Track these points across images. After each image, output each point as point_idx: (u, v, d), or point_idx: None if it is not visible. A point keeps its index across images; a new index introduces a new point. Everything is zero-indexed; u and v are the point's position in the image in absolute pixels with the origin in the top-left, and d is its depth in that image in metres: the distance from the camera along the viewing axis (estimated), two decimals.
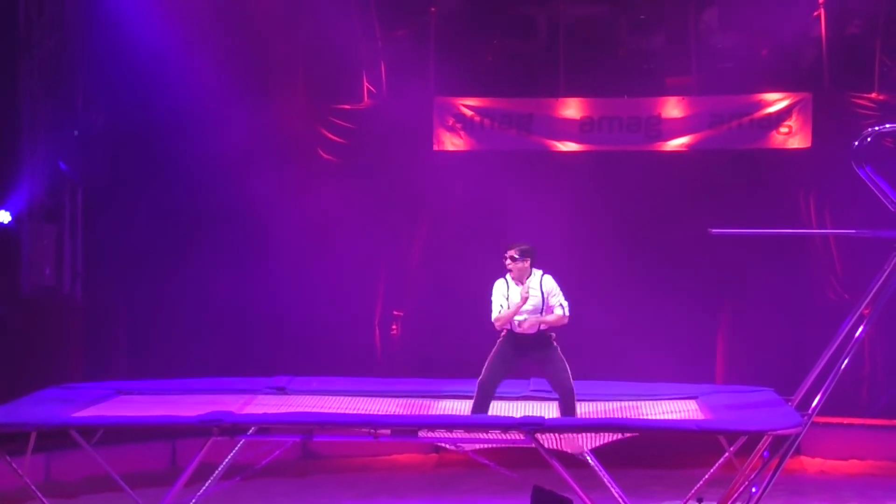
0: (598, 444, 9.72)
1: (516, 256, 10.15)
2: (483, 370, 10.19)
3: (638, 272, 17.19)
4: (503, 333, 10.22)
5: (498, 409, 10.45)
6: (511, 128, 17.74)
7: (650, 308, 16.97)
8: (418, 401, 10.99)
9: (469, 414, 10.17)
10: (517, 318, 10.08)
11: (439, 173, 17.66)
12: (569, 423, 9.65)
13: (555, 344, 10.18)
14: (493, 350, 10.25)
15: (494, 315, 10.18)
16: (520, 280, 10.15)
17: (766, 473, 9.73)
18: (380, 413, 10.33)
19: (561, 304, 10.12)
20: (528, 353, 10.20)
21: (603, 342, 16.48)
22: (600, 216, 17.39)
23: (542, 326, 10.11)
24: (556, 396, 10.87)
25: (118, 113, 16.84)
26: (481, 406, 10.13)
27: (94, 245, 17.06)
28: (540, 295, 10.11)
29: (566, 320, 10.13)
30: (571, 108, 17.70)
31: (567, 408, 10.07)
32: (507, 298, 10.15)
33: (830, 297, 17.05)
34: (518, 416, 9.80)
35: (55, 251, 16.71)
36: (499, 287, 10.23)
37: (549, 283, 10.17)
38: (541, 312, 10.09)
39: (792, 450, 9.66)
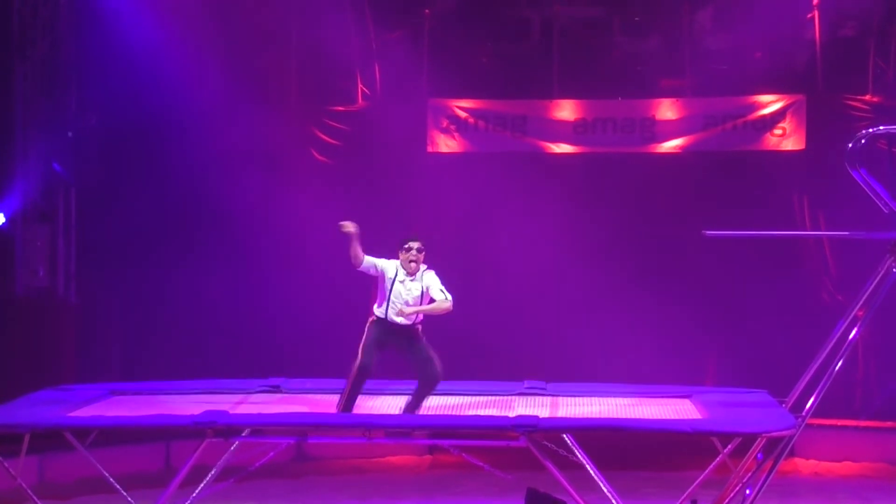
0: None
1: (423, 249, 10.26)
2: (361, 354, 10.15)
3: (632, 273, 17.20)
4: (373, 319, 10.26)
5: (492, 408, 10.49)
6: (505, 129, 17.76)
7: (644, 309, 16.94)
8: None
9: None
10: (406, 309, 10.15)
11: (433, 175, 17.69)
12: (562, 425, 9.64)
13: (421, 335, 10.28)
14: (367, 335, 10.23)
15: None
16: (413, 273, 10.20)
17: (760, 475, 9.74)
18: (374, 414, 10.30)
19: (441, 290, 10.18)
20: (398, 341, 10.23)
21: (596, 342, 16.53)
22: (594, 218, 17.40)
23: (419, 318, 10.18)
24: (550, 394, 10.93)
25: (112, 114, 16.83)
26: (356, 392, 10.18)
27: (88, 246, 17.05)
28: (421, 289, 10.18)
29: (449, 305, 10.15)
30: (565, 110, 17.73)
31: (421, 394, 10.20)
32: (393, 283, 10.19)
33: (824, 298, 17.10)
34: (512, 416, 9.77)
35: (49, 252, 16.70)
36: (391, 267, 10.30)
37: (430, 277, 10.24)
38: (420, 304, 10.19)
39: (786, 451, 9.68)
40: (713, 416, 9.97)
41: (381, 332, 10.22)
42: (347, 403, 10.13)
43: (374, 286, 10.39)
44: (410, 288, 10.21)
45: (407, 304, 10.17)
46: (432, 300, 10.18)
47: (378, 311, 10.26)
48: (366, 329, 10.27)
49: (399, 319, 10.17)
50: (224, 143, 16.96)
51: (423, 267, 10.27)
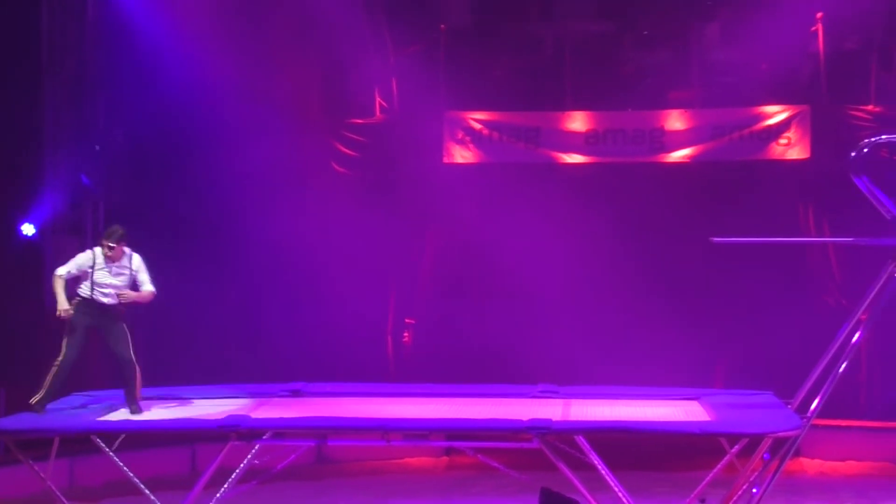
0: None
1: (119, 239, 10.97)
2: (66, 348, 10.86)
3: (642, 279, 17.33)
4: (76, 301, 10.88)
5: (507, 410, 10.69)
6: (519, 141, 17.91)
7: (653, 314, 17.07)
8: (430, 405, 11.15)
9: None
10: (106, 290, 10.88)
11: (449, 185, 17.82)
12: (574, 427, 9.84)
13: (122, 317, 11.00)
14: (70, 327, 10.86)
15: (60, 272, 10.88)
16: (116, 259, 10.93)
17: (766, 475, 9.96)
18: (392, 417, 10.44)
19: (150, 282, 11.02)
20: (97, 320, 10.91)
21: (608, 347, 16.61)
22: (605, 226, 17.52)
23: (126, 300, 10.94)
24: (562, 397, 11.16)
25: (139, 128, 16.94)
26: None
27: None
28: (129, 273, 11.00)
29: (153, 296, 11.04)
30: (577, 122, 17.89)
31: (125, 378, 10.88)
32: (92, 269, 10.91)
33: (829, 302, 17.23)
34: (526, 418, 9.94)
35: None
36: (85, 256, 11.01)
37: (138, 261, 11.10)
38: (130, 288, 10.95)
39: (792, 451, 9.89)
40: (721, 418, 10.17)
41: (83, 315, 10.87)
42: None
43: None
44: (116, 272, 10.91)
45: (114, 286, 10.86)
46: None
47: (84, 292, 10.91)
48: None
49: (105, 300, 10.83)
50: (248, 156, 17.07)
51: (128, 251, 11.02)
